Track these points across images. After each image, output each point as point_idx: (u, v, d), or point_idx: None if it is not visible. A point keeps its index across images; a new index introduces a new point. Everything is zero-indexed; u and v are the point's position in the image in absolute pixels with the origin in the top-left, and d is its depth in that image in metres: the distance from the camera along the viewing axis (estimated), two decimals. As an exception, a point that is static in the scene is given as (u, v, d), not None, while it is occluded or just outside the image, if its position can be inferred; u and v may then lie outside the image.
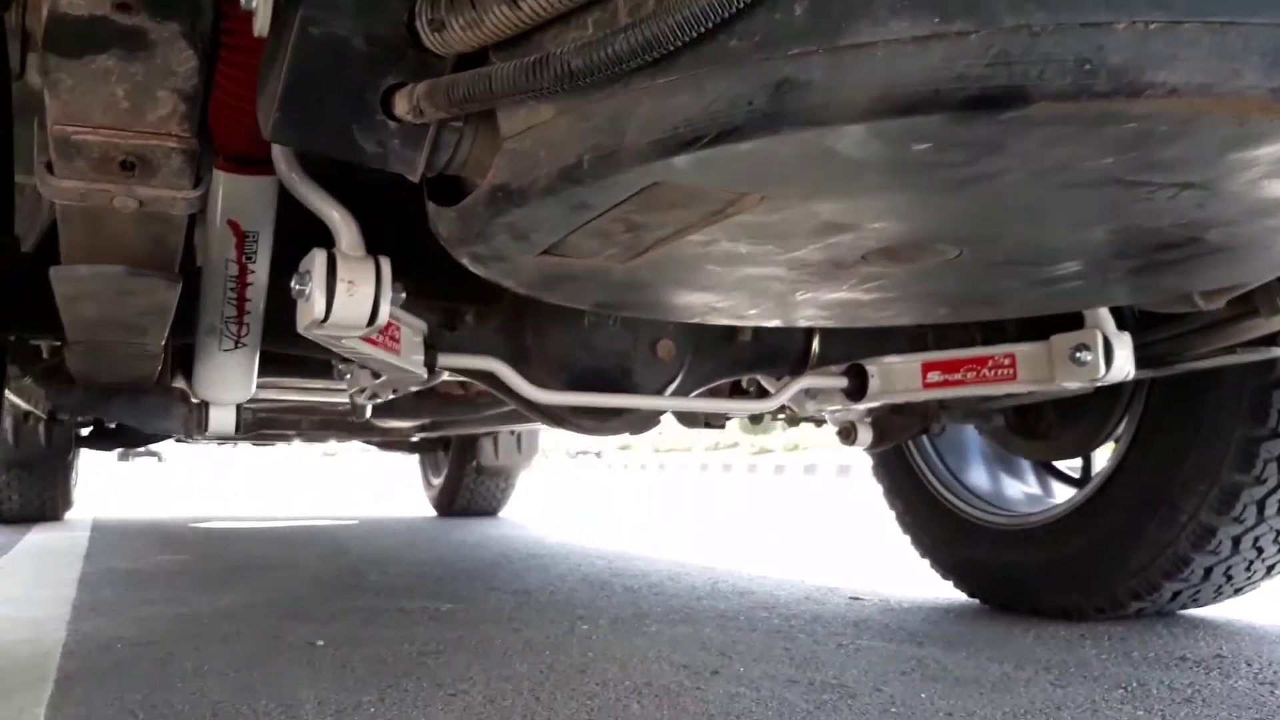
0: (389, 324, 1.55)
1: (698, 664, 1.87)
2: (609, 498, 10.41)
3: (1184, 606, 2.36)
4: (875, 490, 3.00)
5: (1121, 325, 1.84)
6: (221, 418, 1.85)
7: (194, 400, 1.83)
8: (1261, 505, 2.08)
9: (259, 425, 5.14)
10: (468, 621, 2.35)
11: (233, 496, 10.21)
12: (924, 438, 2.81)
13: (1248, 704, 1.61)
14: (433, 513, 6.78)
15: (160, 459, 34.69)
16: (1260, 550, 2.16)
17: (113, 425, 5.79)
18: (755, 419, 2.98)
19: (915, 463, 2.79)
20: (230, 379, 1.69)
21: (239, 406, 1.88)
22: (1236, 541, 2.12)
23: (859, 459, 14.58)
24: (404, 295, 1.30)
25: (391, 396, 1.81)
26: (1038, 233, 1.12)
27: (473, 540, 4.79)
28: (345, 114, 0.92)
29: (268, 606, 2.58)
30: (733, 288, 1.40)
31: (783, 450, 25.50)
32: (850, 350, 2.18)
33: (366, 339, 1.42)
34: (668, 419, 2.77)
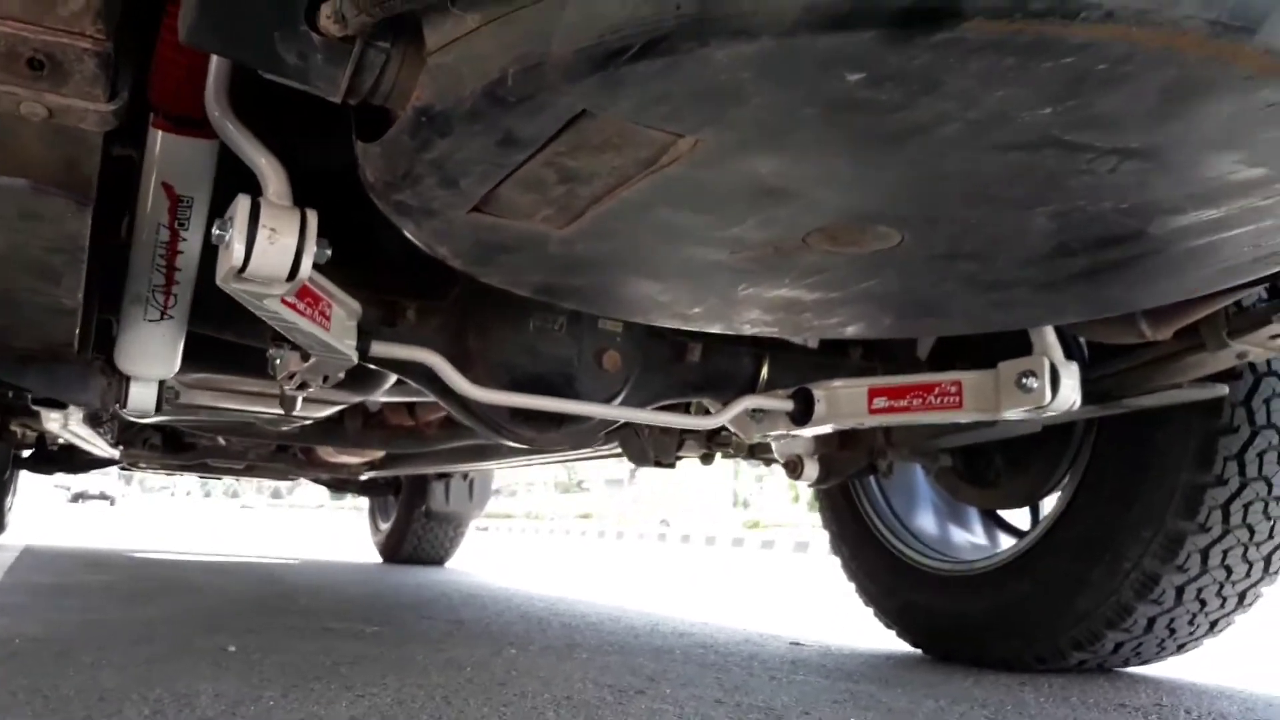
0: (320, 298, 1.51)
1: (624, 685, 1.80)
2: (563, 557, 10.25)
3: (1126, 661, 2.31)
4: (830, 563, 2.95)
5: (1070, 359, 1.82)
6: (142, 394, 1.77)
7: (115, 376, 1.77)
8: (1205, 555, 2.05)
9: (203, 453, 5.04)
10: (392, 641, 2.26)
11: (177, 535, 9.96)
12: (872, 482, 2.78)
13: (1184, 743, 1.56)
14: (378, 559, 6.63)
15: (112, 503, 34.26)
16: (1203, 603, 2.13)
17: (54, 448, 5.66)
18: (706, 458, 2.94)
19: (862, 507, 2.75)
20: (154, 352, 1.62)
21: (161, 384, 1.81)
22: (1180, 591, 2.09)
23: (816, 536, 14.50)
24: (329, 253, 1.25)
25: (323, 386, 1.75)
26: (978, 214, 1.10)
27: (414, 581, 4.67)
28: (267, 20, 0.89)
29: (185, 619, 2.48)
30: (674, 274, 1.37)
31: (743, 527, 25.55)
32: (799, 378, 2.15)
33: (292, 306, 1.37)
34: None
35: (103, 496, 35.33)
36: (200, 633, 2.22)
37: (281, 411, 2.73)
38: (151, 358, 1.64)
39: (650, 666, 2.06)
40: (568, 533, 26.03)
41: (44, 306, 1.42)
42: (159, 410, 1.82)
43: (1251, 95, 0.82)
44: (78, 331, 1.56)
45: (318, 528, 18.20)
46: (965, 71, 0.78)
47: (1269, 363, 2.02)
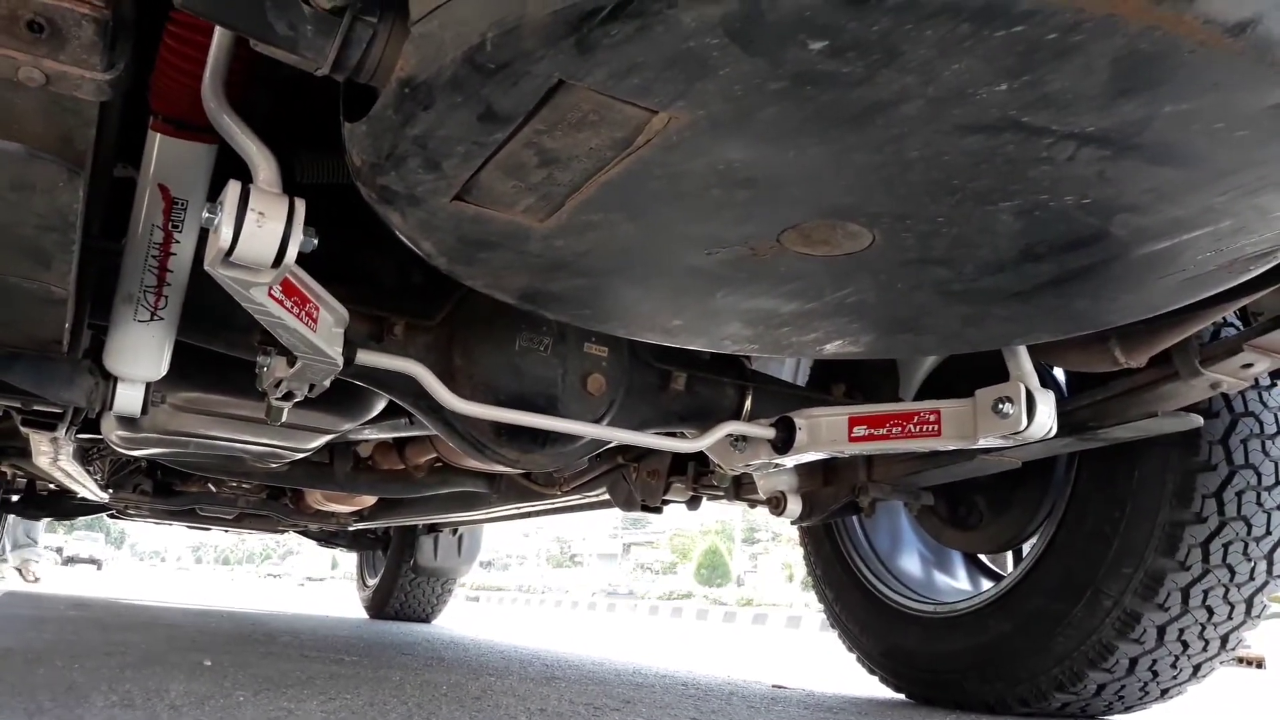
0: (307, 300, 1.53)
1: (600, 704, 1.79)
2: (552, 621, 10.13)
3: (1110, 706, 2.29)
4: (822, 639, 2.95)
5: (1046, 389, 1.84)
6: (128, 395, 1.79)
7: (103, 378, 1.78)
8: (1186, 594, 2.05)
9: (193, 499, 5.02)
10: (370, 667, 2.25)
11: (164, 588, 9.86)
12: (856, 524, 2.79)
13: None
14: (364, 615, 6.57)
15: (99, 566, 34.15)
16: (1186, 644, 2.12)
17: (44, 493, 5.64)
18: (692, 502, 2.94)
19: (846, 549, 2.75)
20: (141, 352, 1.64)
21: (148, 387, 1.82)
22: (1161, 631, 2.08)
23: (809, 614, 14.34)
24: (315, 242, 1.28)
25: (309, 395, 1.77)
26: (945, 210, 1.13)
27: (399, 629, 4.63)
28: (259, -11, 0.93)
29: (165, 643, 2.46)
30: (654, 278, 1.40)
31: (736, 604, 25.27)
32: (782, 411, 2.16)
33: (279, 302, 1.40)
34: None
35: (91, 560, 35.58)
36: (177, 652, 2.20)
37: (271, 443, 2.75)
38: (139, 358, 1.66)
39: (628, 694, 2.05)
40: (558, 604, 25.72)
41: (34, 295, 1.45)
42: (144, 413, 1.84)
43: (1199, 75, 0.86)
44: (67, 327, 1.58)
45: (307, 591, 17.99)
46: (922, 40, 0.82)
47: (1246, 403, 2.05)
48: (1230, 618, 2.12)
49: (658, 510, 2.92)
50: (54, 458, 3.51)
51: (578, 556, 52.13)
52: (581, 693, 1.95)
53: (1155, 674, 2.16)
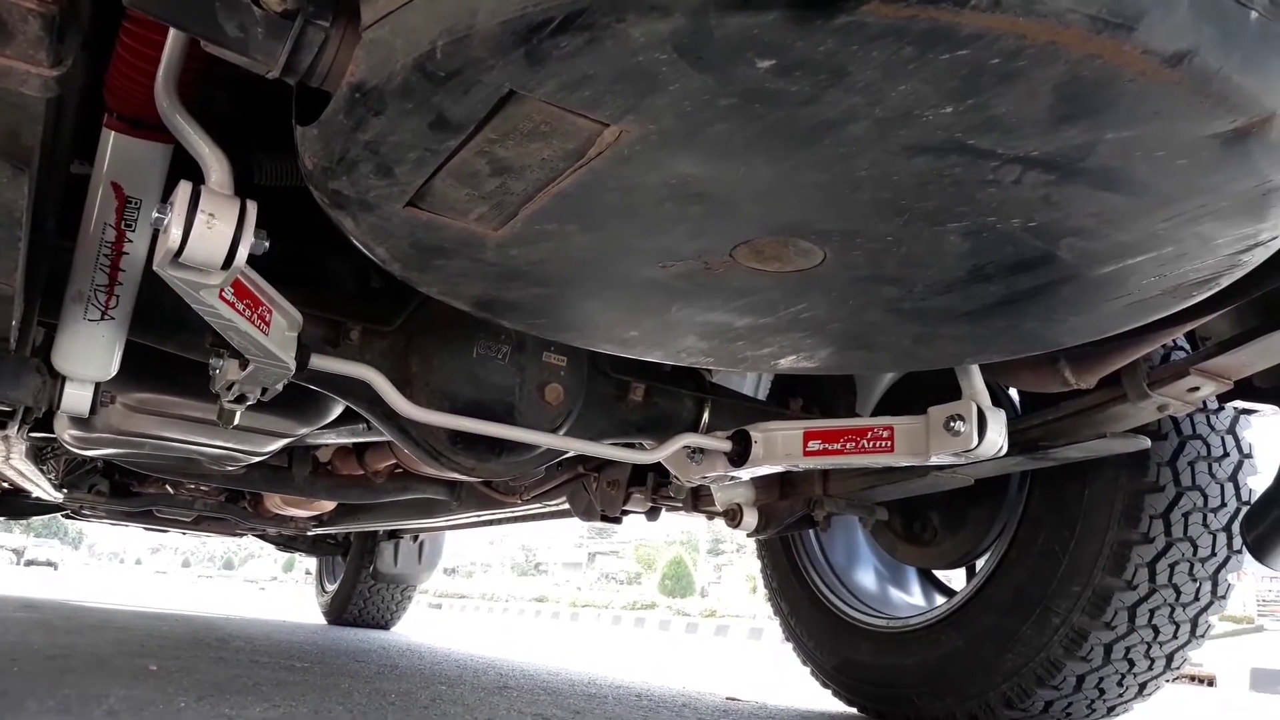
0: (260, 303, 1.52)
1: (549, 714, 1.79)
2: (513, 629, 10.09)
3: (1057, 723, 2.32)
4: (783, 651, 2.95)
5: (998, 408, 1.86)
6: (76, 395, 1.76)
7: (52, 377, 1.75)
8: (1133, 613, 2.07)
9: (149, 500, 4.95)
10: (320, 674, 2.23)
11: (120, 589, 9.73)
12: (812, 539, 2.80)
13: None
14: (322, 621, 6.51)
15: (55, 568, 33.95)
16: (1132, 663, 2.15)
17: (-4, 490, 5.55)
18: (651, 513, 2.95)
19: (802, 563, 2.76)
20: (91, 352, 1.62)
21: (98, 387, 1.80)
22: (1108, 649, 2.11)
23: (771, 624, 14.40)
24: (267, 244, 1.27)
25: (260, 398, 1.75)
26: (894, 229, 1.14)
27: (356, 636, 4.59)
28: (210, -11, 0.92)
29: (112, 646, 2.43)
30: (609, 290, 1.40)
31: (699, 615, 25.30)
32: (739, 424, 2.17)
33: (230, 304, 1.38)
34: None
35: (49, 563, 35.76)
36: (123, 656, 2.17)
37: (227, 445, 2.72)
38: (88, 358, 1.63)
39: (579, 704, 2.04)
40: (521, 612, 25.64)
41: (-21, 293, 1.43)
42: (94, 413, 1.81)
43: (1139, 104, 0.87)
44: (15, 324, 1.56)
45: (268, 595, 17.80)
46: (868, 61, 0.83)
47: (1194, 425, 2.08)
48: (1176, 637, 2.15)
49: (617, 520, 2.92)
50: (5, 456, 3.46)
51: (542, 565, 51.99)
52: (532, 703, 1.95)
53: (1102, 691, 2.18)
